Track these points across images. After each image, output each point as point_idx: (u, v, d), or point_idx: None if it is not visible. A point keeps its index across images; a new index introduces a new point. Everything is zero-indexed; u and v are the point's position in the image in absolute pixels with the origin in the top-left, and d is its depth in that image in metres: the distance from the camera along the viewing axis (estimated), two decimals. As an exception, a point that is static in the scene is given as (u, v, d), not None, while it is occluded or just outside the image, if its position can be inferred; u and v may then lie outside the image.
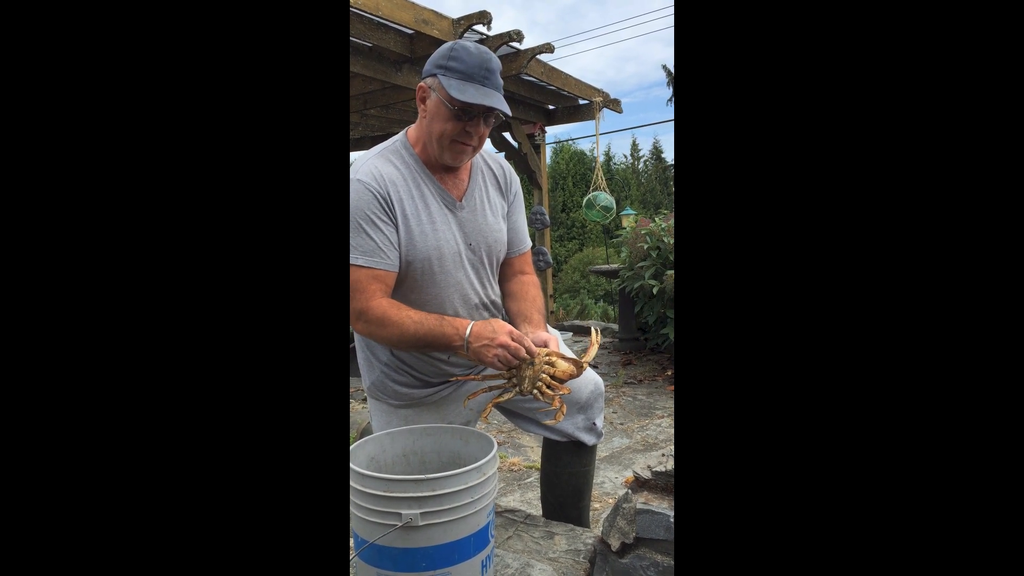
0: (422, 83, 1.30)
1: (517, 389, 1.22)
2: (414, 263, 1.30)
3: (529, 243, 1.55)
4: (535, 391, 1.22)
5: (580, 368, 1.22)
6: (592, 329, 1.36)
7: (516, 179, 1.51)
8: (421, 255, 1.30)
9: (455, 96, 1.21)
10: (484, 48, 1.28)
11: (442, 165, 1.34)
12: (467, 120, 1.26)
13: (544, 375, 1.22)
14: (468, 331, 1.23)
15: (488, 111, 1.26)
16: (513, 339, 1.21)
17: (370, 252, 1.25)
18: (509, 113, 1.27)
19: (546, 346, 1.27)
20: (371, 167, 1.29)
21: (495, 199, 1.44)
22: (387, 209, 1.28)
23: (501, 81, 1.28)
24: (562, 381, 1.23)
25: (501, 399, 1.24)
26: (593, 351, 1.26)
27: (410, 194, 1.31)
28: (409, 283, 1.32)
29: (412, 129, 1.38)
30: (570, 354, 1.33)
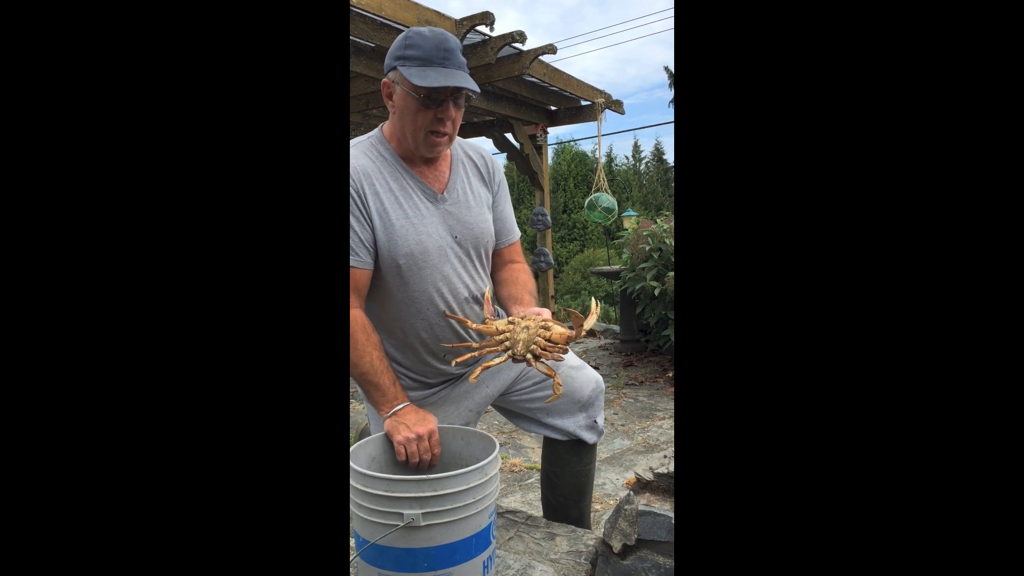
0: (385, 79, 1.27)
1: (510, 353, 1.16)
2: (397, 258, 1.27)
3: (518, 232, 1.51)
4: (528, 355, 1.15)
5: (579, 329, 1.15)
6: (592, 299, 1.31)
7: (500, 168, 1.47)
8: (403, 250, 1.27)
9: (418, 83, 1.18)
10: (439, 30, 1.24)
11: (420, 158, 1.31)
12: (436, 107, 1.22)
13: (539, 339, 1.15)
14: (400, 405, 1.22)
15: (456, 92, 1.23)
16: (430, 441, 1.19)
17: None
18: (477, 90, 1.23)
19: (540, 315, 1.21)
20: None
21: (479, 190, 1.40)
22: (359, 204, 1.25)
23: (464, 60, 1.24)
24: (559, 343, 1.15)
25: (492, 364, 1.18)
26: (592, 319, 1.19)
27: (387, 188, 1.28)
28: (394, 280, 1.29)
29: (386, 125, 1.35)
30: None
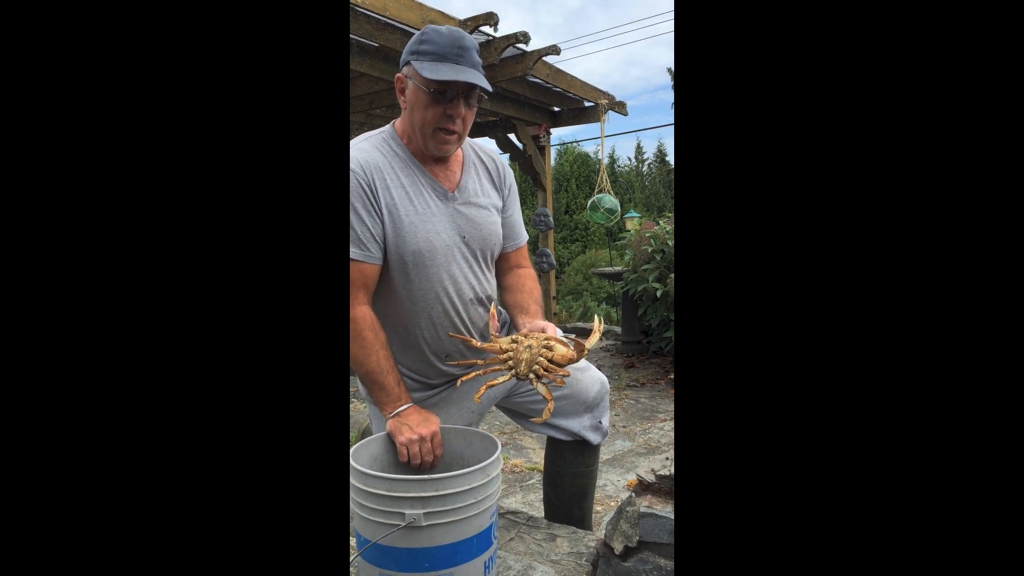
0: (399, 74, 1.27)
1: (513, 372, 1.17)
2: (405, 255, 1.26)
3: (526, 236, 1.51)
4: (531, 375, 1.16)
5: (580, 352, 1.16)
6: (595, 317, 1.32)
7: (510, 172, 1.47)
8: (411, 247, 1.26)
9: (429, 76, 1.17)
10: (456, 28, 1.24)
11: (432, 156, 1.30)
12: (446, 103, 1.21)
13: (541, 359, 1.16)
14: (404, 406, 1.22)
15: (468, 89, 1.22)
16: (433, 442, 1.19)
17: (354, 242, 1.22)
18: (489, 89, 1.23)
19: (544, 332, 1.23)
20: (356, 152, 1.25)
21: (489, 192, 1.40)
22: (370, 198, 1.24)
23: (479, 59, 1.24)
24: (561, 365, 1.17)
25: (496, 383, 1.20)
26: (595, 338, 1.20)
27: (398, 183, 1.27)
28: (400, 277, 1.28)
29: (398, 122, 1.34)
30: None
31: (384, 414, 1.24)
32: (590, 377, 1.47)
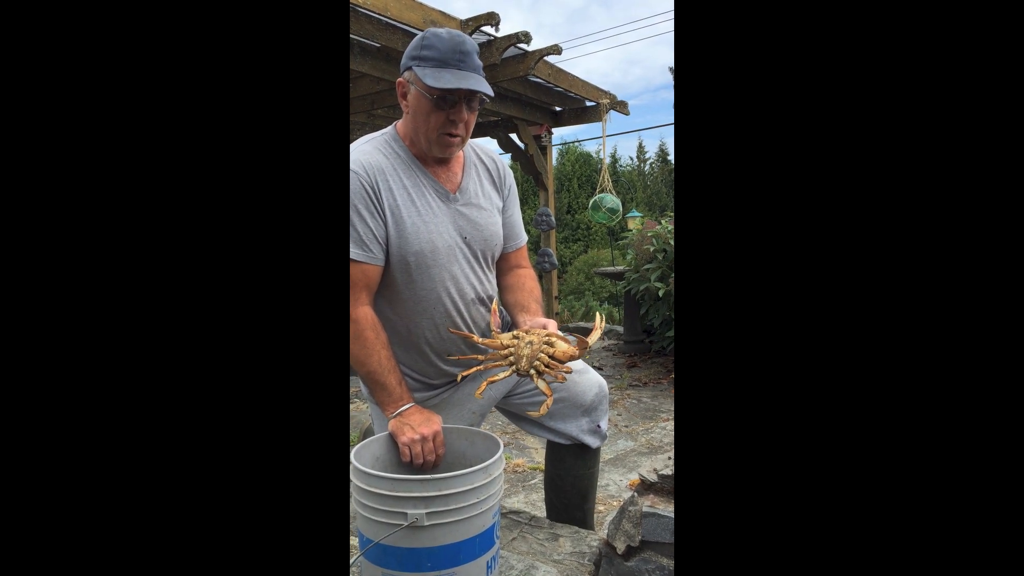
0: (400, 79, 1.27)
1: (514, 368, 1.17)
2: (407, 256, 1.27)
3: (525, 237, 1.52)
4: (532, 371, 1.16)
5: (583, 348, 1.15)
6: (597, 314, 1.32)
7: (510, 173, 1.48)
8: (413, 248, 1.26)
9: (431, 84, 1.18)
10: (456, 32, 1.24)
11: (434, 158, 1.31)
12: (449, 108, 1.22)
13: (542, 355, 1.16)
14: (406, 406, 1.23)
15: (470, 95, 1.23)
16: (435, 442, 1.20)
17: (356, 243, 1.23)
18: (491, 94, 1.23)
19: (545, 328, 1.23)
20: (358, 154, 1.26)
21: (490, 193, 1.41)
22: (373, 199, 1.24)
23: (479, 63, 1.24)
24: (562, 362, 1.16)
25: (497, 378, 1.20)
26: (596, 335, 1.19)
27: (401, 185, 1.27)
28: (402, 278, 1.29)
29: (400, 124, 1.35)
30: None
31: (386, 414, 1.24)
32: (587, 380, 1.47)
